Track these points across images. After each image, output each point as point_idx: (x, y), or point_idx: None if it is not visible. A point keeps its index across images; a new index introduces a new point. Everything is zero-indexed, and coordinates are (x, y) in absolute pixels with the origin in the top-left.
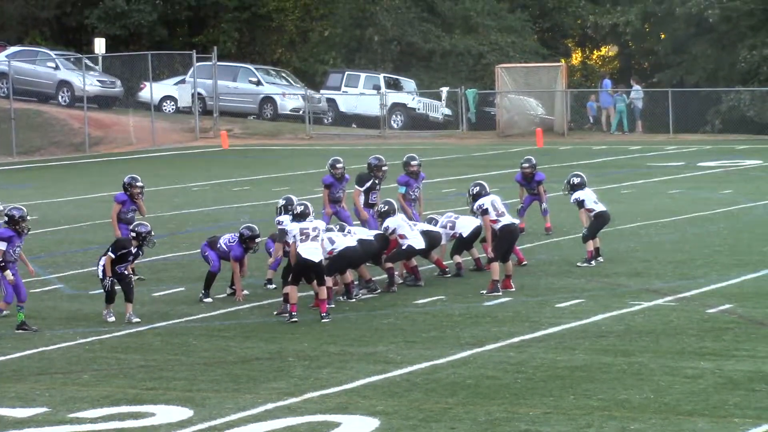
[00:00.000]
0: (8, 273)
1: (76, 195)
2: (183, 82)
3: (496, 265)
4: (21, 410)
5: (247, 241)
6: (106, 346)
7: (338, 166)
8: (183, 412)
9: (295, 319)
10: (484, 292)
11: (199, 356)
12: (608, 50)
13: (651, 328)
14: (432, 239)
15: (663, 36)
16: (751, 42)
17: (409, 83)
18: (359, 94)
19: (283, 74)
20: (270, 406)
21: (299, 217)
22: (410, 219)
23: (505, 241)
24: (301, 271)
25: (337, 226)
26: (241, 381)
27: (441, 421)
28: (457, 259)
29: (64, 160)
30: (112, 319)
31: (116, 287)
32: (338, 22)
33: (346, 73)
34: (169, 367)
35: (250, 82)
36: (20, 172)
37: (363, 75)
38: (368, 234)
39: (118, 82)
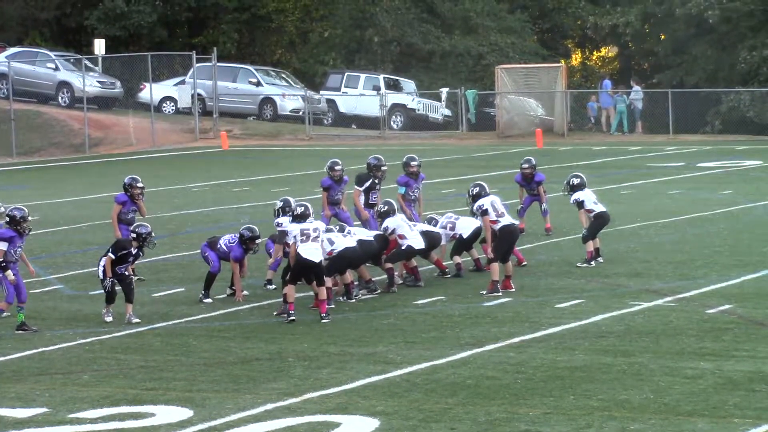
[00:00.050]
0: (9, 273)
1: (76, 196)
2: (183, 83)
3: (495, 266)
4: (21, 410)
5: (247, 242)
6: (106, 346)
7: (337, 168)
8: (183, 413)
9: (293, 318)
10: (484, 292)
11: (199, 357)
12: (608, 51)
13: (651, 329)
14: (432, 240)
15: (663, 37)
16: (751, 43)
17: (408, 84)
18: (359, 95)
19: (283, 75)
20: (270, 406)
21: (299, 218)
22: (410, 219)
23: (504, 241)
24: (301, 271)
25: (337, 227)
26: (241, 381)
27: (441, 421)
28: (457, 259)
29: (63, 161)
30: (110, 319)
31: (116, 288)
32: (338, 23)
33: (346, 73)
34: (169, 368)
35: (250, 82)
36: (20, 173)
37: (363, 76)
38: (368, 234)
39: (118, 83)
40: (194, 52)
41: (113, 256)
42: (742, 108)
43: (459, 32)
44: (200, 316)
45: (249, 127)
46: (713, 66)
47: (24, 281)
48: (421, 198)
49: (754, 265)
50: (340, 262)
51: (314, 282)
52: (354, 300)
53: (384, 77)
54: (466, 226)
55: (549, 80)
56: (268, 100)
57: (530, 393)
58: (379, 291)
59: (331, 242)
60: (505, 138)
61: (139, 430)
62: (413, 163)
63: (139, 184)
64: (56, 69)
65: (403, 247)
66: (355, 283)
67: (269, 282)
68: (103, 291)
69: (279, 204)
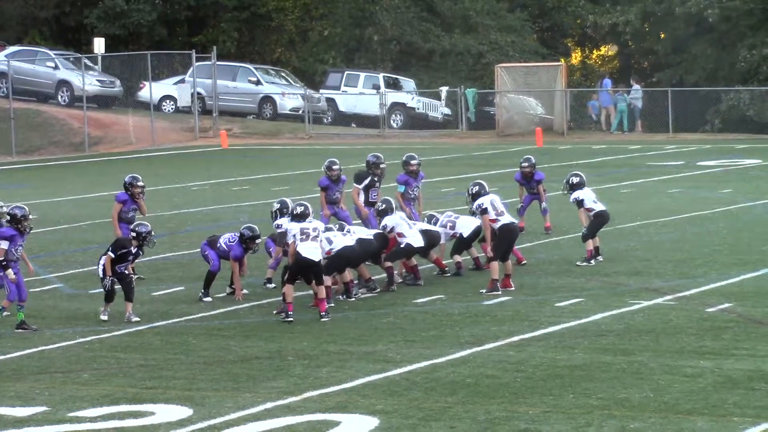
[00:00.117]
0: (10, 272)
1: (76, 194)
2: (182, 81)
3: (495, 264)
4: (21, 409)
5: (247, 242)
6: (106, 345)
7: (334, 168)
8: (182, 411)
9: (291, 319)
10: (484, 291)
11: (198, 355)
12: (608, 50)
13: (650, 327)
14: (431, 238)
15: (662, 35)
16: (751, 41)
17: (408, 83)
18: (359, 94)
19: (283, 74)
20: (269, 405)
21: (299, 217)
22: (409, 218)
23: (504, 240)
24: (300, 270)
25: (337, 226)
26: (241, 380)
27: (440, 420)
28: (457, 258)
29: (63, 159)
30: (106, 318)
31: (116, 287)
32: (338, 21)
33: (346, 72)
34: (168, 366)
35: (250, 81)
36: (19, 172)
37: (362, 74)
38: (368, 233)
39: (118, 82)
40: (194, 50)
41: (113, 255)
42: (741, 107)
43: (459, 31)
44: (200, 315)
45: (249, 126)
46: (713, 65)
47: (24, 280)
48: (420, 197)
49: (754, 264)
50: (338, 261)
51: (313, 281)
52: (353, 299)
53: (384, 76)
54: (467, 225)
55: (549, 79)
56: (267, 99)
57: (530, 392)
58: (378, 290)
59: (330, 241)
60: (505, 137)
61: (138, 428)
62: (413, 162)
63: (140, 183)
64: (56, 68)
65: (402, 246)
66: (355, 281)
67: (269, 281)
68: (102, 290)
69: (276, 206)
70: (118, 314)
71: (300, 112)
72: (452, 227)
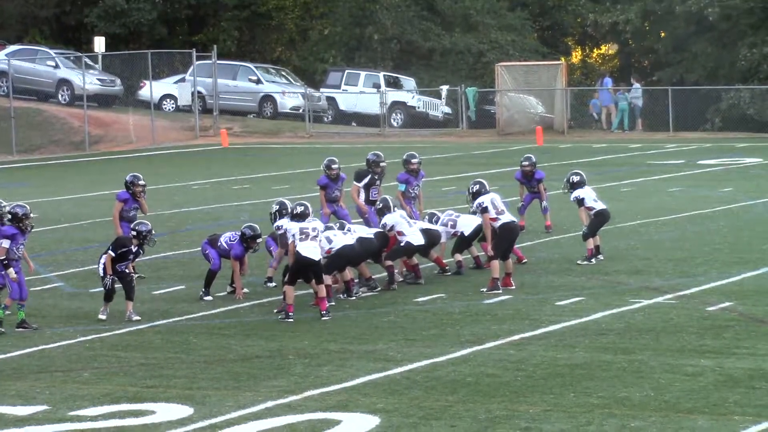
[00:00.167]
0: (11, 270)
1: (76, 193)
2: (183, 80)
3: (496, 263)
4: (21, 408)
5: (248, 241)
6: (107, 344)
7: (333, 167)
8: (183, 410)
9: (291, 320)
10: (484, 290)
11: (199, 354)
12: (608, 48)
13: (651, 326)
14: (431, 238)
15: (663, 34)
16: (751, 40)
17: (408, 81)
18: (359, 93)
19: (283, 73)
20: (270, 404)
21: (299, 217)
22: (410, 217)
23: (505, 239)
24: (300, 269)
25: (337, 224)
26: (242, 379)
27: (441, 418)
28: (458, 257)
29: (64, 158)
30: (104, 317)
31: (116, 286)
32: (338, 20)
33: (346, 71)
34: (169, 365)
35: (250, 80)
36: (20, 171)
37: (363, 73)
38: (368, 232)
39: (118, 81)
40: (194, 49)
41: (113, 254)
42: (742, 105)
43: (459, 30)
44: (200, 314)
45: (249, 125)
46: (713, 63)
47: (24, 279)
48: (421, 195)
49: (755, 263)
50: (338, 260)
51: (313, 280)
52: (354, 297)
53: (384, 75)
54: (468, 223)
55: (549, 78)
56: (268, 98)
57: (530, 390)
58: (379, 288)
59: (330, 241)
60: (506, 135)
61: (139, 427)
62: (413, 161)
63: (141, 182)
64: (56, 67)
65: (402, 244)
66: (356, 280)
67: (269, 279)
68: (103, 289)
69: (275, 207)
70: (119, 313)
71: (300, 110)
72: (453, 226)
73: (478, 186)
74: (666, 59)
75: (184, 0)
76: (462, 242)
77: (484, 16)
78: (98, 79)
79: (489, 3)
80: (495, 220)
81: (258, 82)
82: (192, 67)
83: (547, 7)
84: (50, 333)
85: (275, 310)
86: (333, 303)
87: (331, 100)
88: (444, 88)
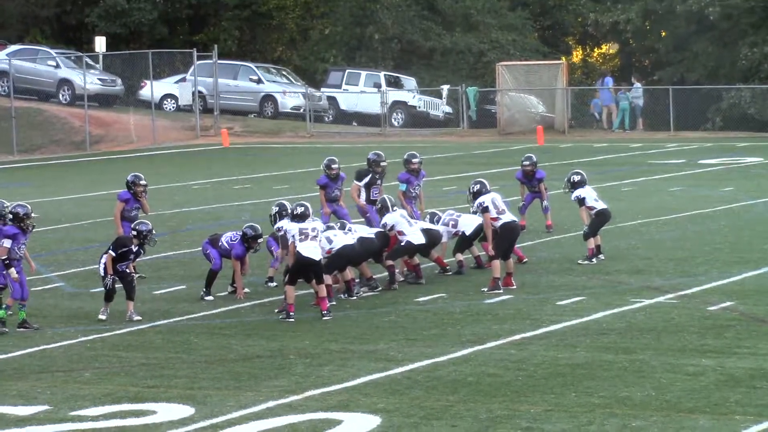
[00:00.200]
0: (12, 270)
1: (77, 193)
2: (184, 80)
3: (497, 263)
4: (22, 408)
5: (249, 241)
6: (108, 344)
7: (333, 167)
8: (184, 410)
9: (292, 320)
10: (485, 289)
11: (200, 354)
12: (609, 48)
13: (652, 326)
14: (432, 238)
15: (664, 34)
16: (752, 39)
17: (409, 81)
18: (360, 92)
19: (284, 72)
20: (271, 403)
21: (299, 218)
22: (411, 217)
23: (505, 238)
24: (301, 269)
25: (338, 224)
26: (243, 379)
27: (442, 418)
28: (459, 257)
29: (64, 158)
30: (104, 317)
31: (116, 285)
32: (339, 20)
33: (347, 71)
34: (170, 365)
35: (251, 80)
36: (21, 171)
37: (364, 73)
38: (369, 232)
39: (119, 81)
40: (195, 49)
41: (114, 254)
42: (743, 105)
43: (460, 29)
44: (201, 314)
45: (250, 125)
46: (714, 63)
47: (26, 278)
48: (422, 195)
49: (756, 262)
50: (338, 260)
51: (314, 280)
52: (355, 297)
53: (385, 74)
54: (469, 222)
55: (550, 77)
56: (268, 98)
57: (531, 390)
58: (380, 288)
59: (330, 241)
60: (506, 135)
61: (140, 427)
62: (414, 161)
63: (142, 182)
64: (57, 66)
65: (402, 243)
66: (356, 280)
67: (270, 279)
68: (103, 288)
69: (275, 209)
70: (120, 313)
71: (301, 110)
72: (455, 225)
73: (478, 186)
74: (667, 59)
75: (184, 0)
76: (463, 242)
77: (484, 16)
78: (99, 79)
79: (490, 2)
80: (496, 219)
81: (259, 81)
82: (193, 67)
83: (548, 6)
84: (51, 333)
85: (276, 310)
86: (334, 303)
87: (332, 100)
88: (445, 88)
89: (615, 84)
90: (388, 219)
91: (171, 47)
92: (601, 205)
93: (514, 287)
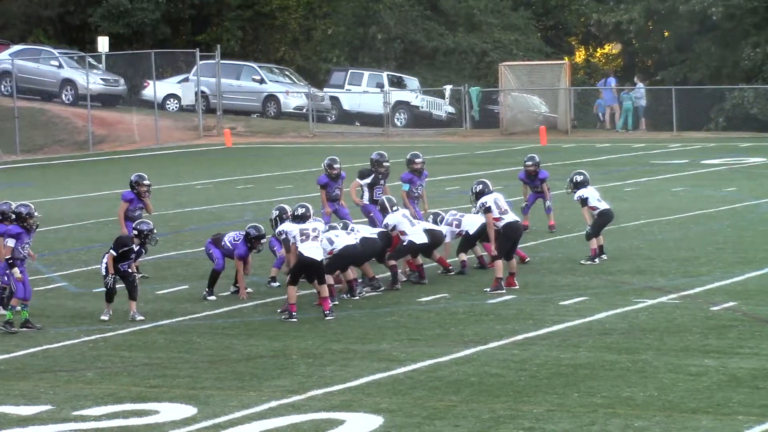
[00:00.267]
0: (16, 270)
1: (80, 193)
2: (186, 80)
3: (499, 263)
4: (25, 408)
5: (252, 241)
6: (110, 344)
7: (335, 166)
8: (187, 410)
9: (295, 320)
10: (488, 289)
11: (202, 354)
12: (612, 48)
13: (655, 326)
14: (434, 238)
15: (666, 34)
16: (755, 39)
17: (412, 81)
18: (362, 92)
19: (287, 72)
20: (274, 403)
21: (299, 219)
22: (413, 217)
23: (508, 238)
24: (302, 270)
25: (340, 224)
26: (245, 379)
27: (445, 418)
28: (463, 257)
29: (67, 158)
30: (106, 318)
31: (118, 285)
32: (341, 20)
33: (350, 71)
34: (173, 365)
35: (254, 80)
36: (24, 171)
37: (366, 73)
38: (372, 232)
39: (122, 81)
40: (198, 49)
41: (115, 253)
42: (745, 105)
43: (462, 29)
44: (204, 314)
45: (252, 125)
46: (717, 63)
47: (29, 278)
48: (424, 195)
49: (758, 263)
50: (340, 260)
51: (315, 281)
52: (357, 297)
53: (387, 74)
54: (472, 222)
55: (552, 77)
56: (271, 98)
57: (534, 390)
58: (382, 288)
59: (331, 242)
60: (509, 135)
61: (143, 427)
62: (417, 161)
63: (146, 182)
64: (60, 66)
65: (404, 243)
66: (359, 280)
67: (273, 279)
68: (105, 288)
69: (275, 213)
70: (123, 313)
71: (304, 110)
72: (458, 225)
73: (481, 186)
74: (669, 59)
75: (187, 0)
76: (466, 242)
77: (487, 16)
78: (102, 79)
79: (492, 2)
80: (498, 219)
81: (261, 81)
82: (195, 67)
83: (551, 6)
84: (54, 333)
85: (279, 310)
86: (336, 303)
87: (335, 100)
88: (447, 88)
89: (618, 84)
90: (390, 219)
91: (174, 47)
92: (603, 205)
93: (517, 287)
